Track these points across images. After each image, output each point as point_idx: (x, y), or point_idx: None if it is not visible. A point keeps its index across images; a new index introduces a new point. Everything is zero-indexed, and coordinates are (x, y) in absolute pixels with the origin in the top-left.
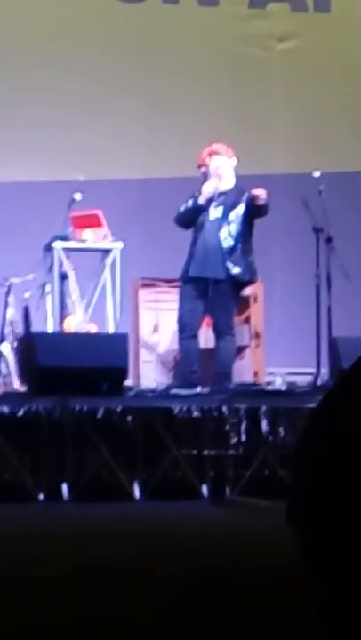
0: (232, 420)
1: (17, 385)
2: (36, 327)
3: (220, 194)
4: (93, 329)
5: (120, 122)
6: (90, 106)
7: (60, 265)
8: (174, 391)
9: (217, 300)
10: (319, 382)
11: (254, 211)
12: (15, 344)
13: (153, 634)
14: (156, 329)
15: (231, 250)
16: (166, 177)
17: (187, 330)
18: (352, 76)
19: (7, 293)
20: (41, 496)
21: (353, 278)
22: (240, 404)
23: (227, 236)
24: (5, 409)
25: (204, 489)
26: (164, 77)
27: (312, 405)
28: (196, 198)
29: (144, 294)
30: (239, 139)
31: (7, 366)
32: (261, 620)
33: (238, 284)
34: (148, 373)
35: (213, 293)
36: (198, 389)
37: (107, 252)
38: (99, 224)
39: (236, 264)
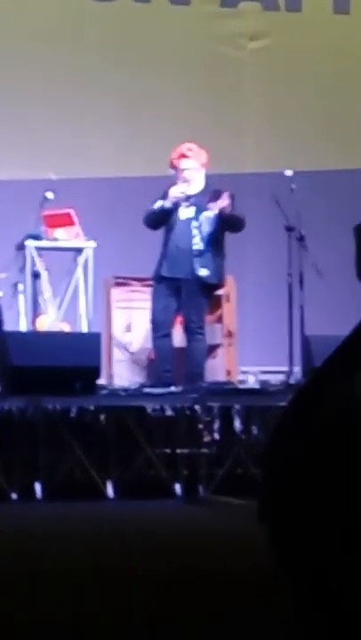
0: (205, 418)
1: None
2: (8, 326)
3: (189, 196)
4: (66, 328)
5: (92, 121)
6: (62, 104)
7: (33, 264)
8: (147, 390)
9: (188, 298)
10: (292, 381)
11: (226, 223)
12: None
13: (127, 632)
14: (129, 328)
15: (201, 251)
16: (139, 176)
17: (160, 329)
18: (323, 75)
19: None
20: (14, 495)
21: (325, 276)
22: (213, 403)
23: (197, 238)
24: None
25: (178, 488)
26: (135, 76)
27: (285, 404)
28: (163, 200)
29: (117, 293)
30: (211, 137)
31: None
32: (234, 618)
33: (207, 285)
34: (121, 372)
35: (185, 292)
36: (172, 388)
37: (79, 250)
38: (71, 223)
39: (203, 266)
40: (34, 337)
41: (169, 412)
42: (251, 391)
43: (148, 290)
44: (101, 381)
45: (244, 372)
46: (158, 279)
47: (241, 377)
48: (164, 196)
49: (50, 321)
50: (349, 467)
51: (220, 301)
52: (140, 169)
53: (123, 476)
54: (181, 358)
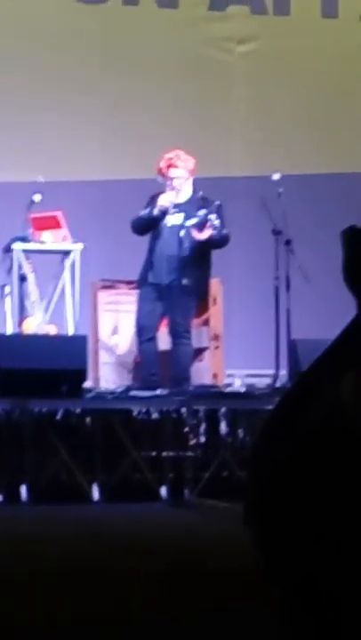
0: (191, 421)
1: None
2: None
3: (177, 205)
4: (53, 330)
5: (80, 123)
6: (49, 107)
7: (20, 266)
8: (133, 393)
9: (175, 302)
10: (278, 384)
11: (211, 247)
12: None
13: (113, 633)
14: (116, 331)
15: (185, 260)
16: (126, 178)
17: (145, 332)
18: (311, 79)
19: None
20: None
21: (312, 280)
22: (199, 406)
23: (183, 245)
24: None
25: (163, 491)
26: (123, 79)
27: (271, 407)
28: (151, 208)
29: (103, 296)
30: (199, 141)
31: None
32: (220, 620)
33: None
34: (108, 375)
35: (171, 296)
36: (158, 391)
37: (66, 253)
38: (58, 225)
39: (186, 275)
40: (20, 339)
41: (155, 415)
42: (237, 394)
43: (135, 293)
44: (88, 384)
45: (231, 376)
46: (144, 284)
47: (227, 380)
48: (152, 203)
49: (37, 323)
50: (335, 470)
51: (207, 304)
52: (127, 172)
53: (108, 479)
54: (167, 362)
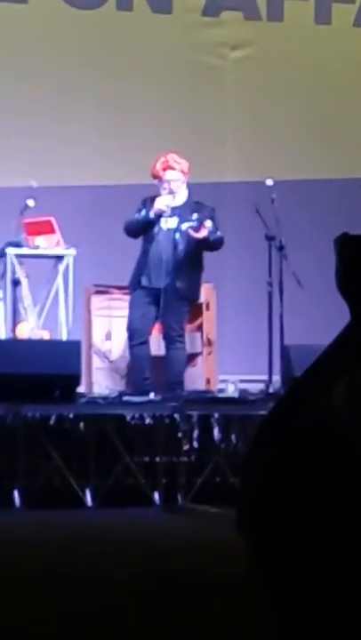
0: (184, 427)
1: None
2: None
3: (172, 208)
4: (46, 336)
5: (73, 128)
6: (43, 112)
7: (13, 271)
8: (127, 398)
9: (169, 306)
10: (271, 390)
11: (205, 248)
12: None
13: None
14: (109, 336)
15: (180, 264)
16: (119, 184)
17: (137, 337)
18: (305, 85)
19: None
20: None
21: (305, 286)
22: (192, 412)
23: (178, 248)
24: None
25: (156, 496)
26: (117, 84)
27: (264, 413)
28: (147, 210)
29: (97, 301)
30: (192, 146)
31: None
32: (211, 624)
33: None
34: (101, 380)
35: (165, 300)
36: (151, 396)
37: (59, 258)
38: (52, 230)
39: (180, 279)
40: (14, 344)
41: (148, 421)
42: (230, 400)
43: (128, 298)
44: (81, 389)
45: (224, 381)
46: (137, 288)
47: (220, 386)
48: (146, 206)
49: (30, 328)
50: (328, 477)
51: (200, 310)
52: (120, 177)
53: (102, 484)
54: (160, 366)
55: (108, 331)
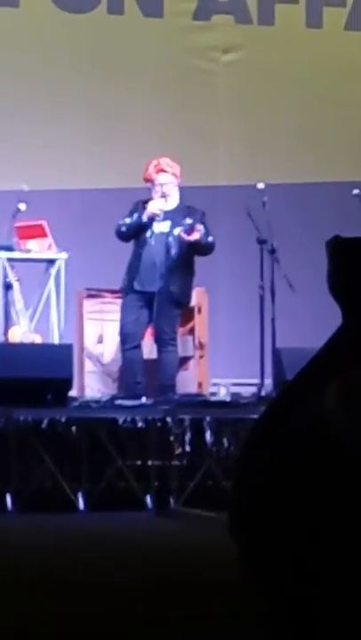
0: (176, 430)
1: None
2: None
3: (165, 212)
4: (38, 339)
5: (65, 132)
6: (34, 116)
7: (5, 275)
8: (119, 402)
9: (161, 310)
10: (263, 393)
11: (197, 252)
12: None
13: None
14: (101, 339)
15: (172, 267)
16: (111, 187)
17: (129, 341)
18: (295, 88)
19: None
20: None
21: (297, 289)
22: (184, 415)
23: (170, 252)
24: None
25: (149, 500)
26: (108, 88)
27: (256, 416)
28: (139, 213)
29: (89, 305)
30: (184, 150)
31: None
32: (204, 628)
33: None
34: (93, 384)
35: (158, 304)
36: (143, 400)
37: (51, 262)
38: (43, 234)
39: (173, 283)
40: (5, 348)
41: (140, 424)
42: (222, 403)
43: (120, 301)
44: (73, 393)
45: (216, 385)
46: (129, 291)
47: (212, 389)
48: (137, 209)
49: (22, 332)
50: (319, 480)
51: (192, 313)
52: (112, 181)
53: (94, 488)
54: (152, 370)
55: (100, 334)
